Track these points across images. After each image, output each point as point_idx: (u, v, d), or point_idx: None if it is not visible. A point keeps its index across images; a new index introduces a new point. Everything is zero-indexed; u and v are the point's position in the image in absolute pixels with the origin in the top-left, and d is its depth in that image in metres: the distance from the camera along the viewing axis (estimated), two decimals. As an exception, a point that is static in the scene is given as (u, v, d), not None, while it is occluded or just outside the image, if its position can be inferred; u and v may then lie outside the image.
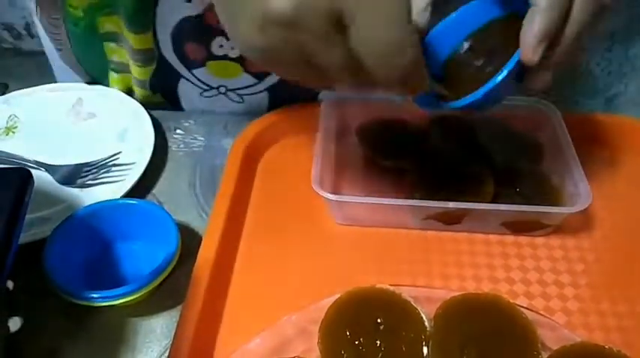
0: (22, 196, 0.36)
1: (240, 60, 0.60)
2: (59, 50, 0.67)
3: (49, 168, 0.57)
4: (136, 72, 0.63)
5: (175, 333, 0.42)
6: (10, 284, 0.45)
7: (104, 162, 0.57)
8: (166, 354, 0.42)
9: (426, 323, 0.40)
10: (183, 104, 0.67)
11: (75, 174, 0.56)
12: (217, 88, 0.64)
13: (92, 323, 0.46)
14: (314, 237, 0.51)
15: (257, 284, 0.48)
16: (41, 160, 0.57)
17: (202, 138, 0.62)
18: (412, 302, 0.41)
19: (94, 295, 0.43)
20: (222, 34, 0.58)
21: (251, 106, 0.65)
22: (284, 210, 0.54)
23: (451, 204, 0.48)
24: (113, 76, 0.66)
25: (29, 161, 0.57)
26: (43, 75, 0.73)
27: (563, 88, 1.30)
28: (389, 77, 0.34)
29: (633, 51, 1.27)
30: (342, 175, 0.56)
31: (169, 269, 0.45)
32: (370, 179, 0.55)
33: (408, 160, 0.55)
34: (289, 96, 0.62)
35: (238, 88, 0.64)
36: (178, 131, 0.63)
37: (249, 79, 0.62)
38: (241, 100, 0.65)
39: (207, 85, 0.64)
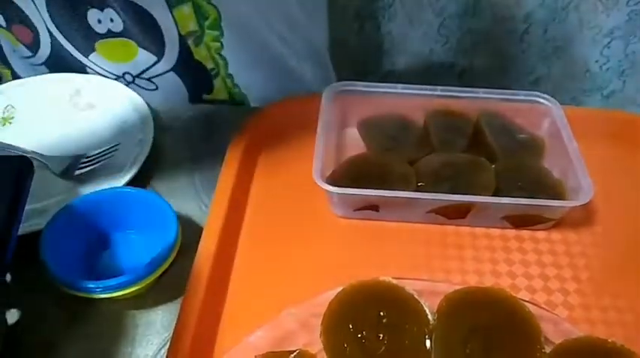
0: (23, 185, 0.35)
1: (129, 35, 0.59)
2: None
3: (46, 159, 0.56)
4: None
5: (176, 326, 0.41)
6: (7, 277, 0.44)
7: (102, 153, 0.56)
8: (166, 347, 0.42)
9: (429, 317, 0.40)
10: None
11: (73, 166, 0.55)
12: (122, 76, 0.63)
13: (91, 315, 0.45)
14: (316, 229, 0.51)
15: (258, 277, 0.47)
16: (38, 151, 0.56)
17: (202, 130, 0.62)
18: (415, 296, 0.41)
19: (92, 286, 0.42)
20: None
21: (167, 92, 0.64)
22: (285, 202, 0.53)
23: (453, 197, 0.47)
24: None
25: (26, 152, 0.56)
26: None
27: (561, 84, 1.31)
28: None
29: (632, 48, 1.28)
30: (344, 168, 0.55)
31: (169, 260, 0.45)
32: (372, 172, 0.54)
33: (410, 154, 0.54)
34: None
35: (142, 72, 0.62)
36: (177, 123, 0.63)
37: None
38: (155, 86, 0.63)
39: (114, 74, 0.62)
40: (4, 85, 0.64)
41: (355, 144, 0.57)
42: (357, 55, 1.33)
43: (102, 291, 0.42)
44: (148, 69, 0.63)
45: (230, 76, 0.66)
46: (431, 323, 0.40)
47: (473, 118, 0.57)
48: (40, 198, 0.52)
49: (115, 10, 0.57)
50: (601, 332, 0.44)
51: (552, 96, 0.57)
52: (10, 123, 0.61)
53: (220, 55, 0.63)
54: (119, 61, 0.62)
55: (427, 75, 1.35)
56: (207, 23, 0.60)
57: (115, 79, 0.64)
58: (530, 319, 0.40)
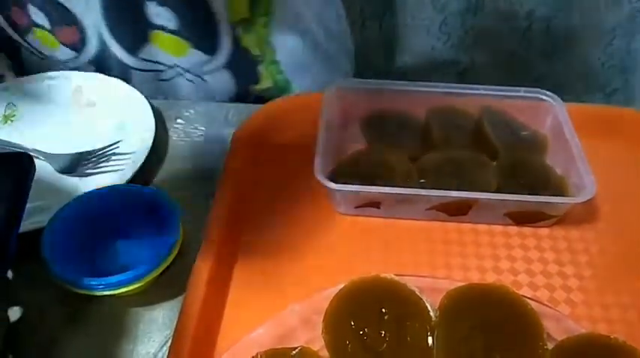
0: (24, 182, 0.35)
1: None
2: None
3: (48, 156, 0.56)
4: None
5: (177, 323, 0.41)
6: (9, 274, 0.44)
7: (104, 151, 0.56)
8: (168, 344, 0.42)
9: (431, 314, 0.40)
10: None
11: (74, 163, 0.56)
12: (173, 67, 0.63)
13: (93, 312, 0.45)
14: (317, 227, 0.51)
15: (260, 274, 0.47)
16: (40, 149, 0.56)
17: (203, 128, 0.62)
18: (417, 292, 0.41)
19: (93, 283, 0.42)
20: None
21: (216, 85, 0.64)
22: (287, 199, 0.53)
23: (455, 194, 0.47)
24: None
25: (28, 150, 0.56)
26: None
27: (563, 82, 1.30)
28: None
29: (635, 45, 1.27)
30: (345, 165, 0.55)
31: (171, 257, 0.45)
32: (373, 169, 0.54)
33: (411, 151, 0.54)
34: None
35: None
36: (179, 120, 0.63)
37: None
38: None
39: (164, 65, 0.63)
40: (5, 83, 0.64)
41: (357, 141, 0.57)
42: (359, 52, 1.33)
43: (103, 288, 0.42)
44: (198, 66, 0.63)
45: (276, 62, 0.66)
46: (433, 319, 0.40)
47: (475, 115, 0.57)
48: (42, 196, 0.52)
49: (170, 7, 0.58)
50: (603, 330, 0.43)
51: (554, 94, 0.56)
52: (12, 121, 0.61)
53: (268, 42, 0.64)
54: (171, 53, 0.62)
55: (429, 72, 1.35)
56: (259, 10, 0.60)
57: (168, 68, 0.64)
58: (532, 316, 0.40)
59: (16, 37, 0.62)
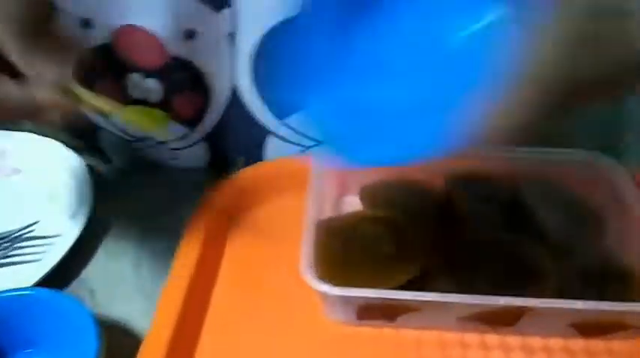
0: None
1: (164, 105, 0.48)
2: None
3: None
4: None
5: None
6: None
7: (17, 234, 0.43)
8: None
9: None
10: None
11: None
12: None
13: None
14: (303, 337, 0.38)
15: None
16: None
17: (158, 202, 0.48)
18: None
19: None
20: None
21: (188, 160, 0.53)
22: (262, 302, 0.40)
23: (502, 301, 0.33)
24: None
25: None
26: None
27: (628, 139, 1.18)
28: None
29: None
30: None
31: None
32: (379, 262, 0.40)
33: (427, 231, 0.41)
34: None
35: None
36: (125, 191, 0.49)
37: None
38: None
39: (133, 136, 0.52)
40: None
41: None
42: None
43: None
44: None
45: None
46: None
47: (509, 184, 0.45)
48: None
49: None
50: None
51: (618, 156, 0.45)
52: None
53: None
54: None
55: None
56: None
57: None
58: None
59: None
